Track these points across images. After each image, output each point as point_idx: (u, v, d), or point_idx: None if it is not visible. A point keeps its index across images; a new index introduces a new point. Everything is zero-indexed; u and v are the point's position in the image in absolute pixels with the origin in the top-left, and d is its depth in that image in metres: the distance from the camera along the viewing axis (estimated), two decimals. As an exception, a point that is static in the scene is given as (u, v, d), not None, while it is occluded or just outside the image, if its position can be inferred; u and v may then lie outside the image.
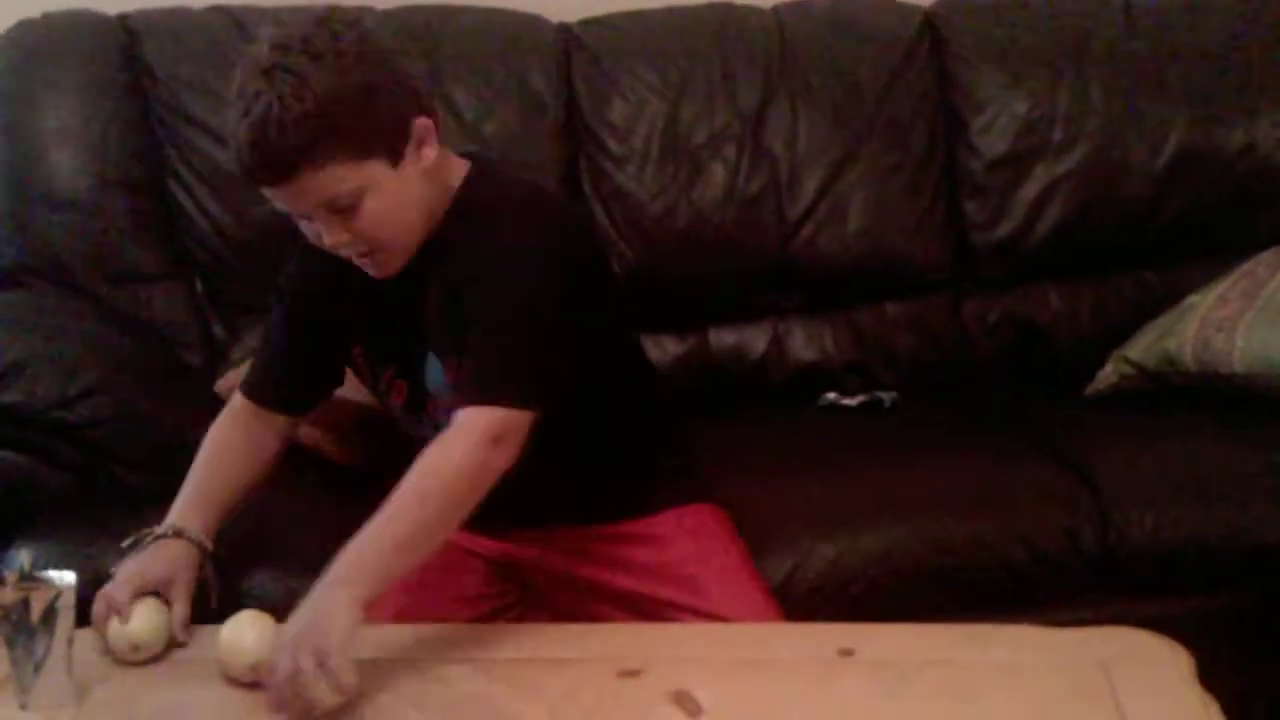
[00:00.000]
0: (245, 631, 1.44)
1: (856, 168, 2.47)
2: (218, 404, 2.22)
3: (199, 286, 2.41)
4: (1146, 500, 2.00)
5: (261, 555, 1.87)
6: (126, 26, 2.41)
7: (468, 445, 1.45)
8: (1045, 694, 1.39)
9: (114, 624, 1.47)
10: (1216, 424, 2.17)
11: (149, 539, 1.57)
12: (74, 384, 1.98)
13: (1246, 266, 2.34)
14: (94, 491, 1.97)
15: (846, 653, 1.45)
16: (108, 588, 1.50)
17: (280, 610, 1.48)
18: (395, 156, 1.50)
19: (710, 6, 2.56)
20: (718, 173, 2.45)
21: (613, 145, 2.46)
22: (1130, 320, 2.42)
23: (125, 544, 1.57)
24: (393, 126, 1.51)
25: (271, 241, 2.35)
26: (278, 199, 1.50)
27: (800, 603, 1.79)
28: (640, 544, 1.71)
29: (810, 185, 2.46)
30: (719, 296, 2.48)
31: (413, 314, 1.62)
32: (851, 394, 2.43)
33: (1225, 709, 1.36)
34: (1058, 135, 2.48)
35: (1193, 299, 2.34)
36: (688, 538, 1.71)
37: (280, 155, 1.44)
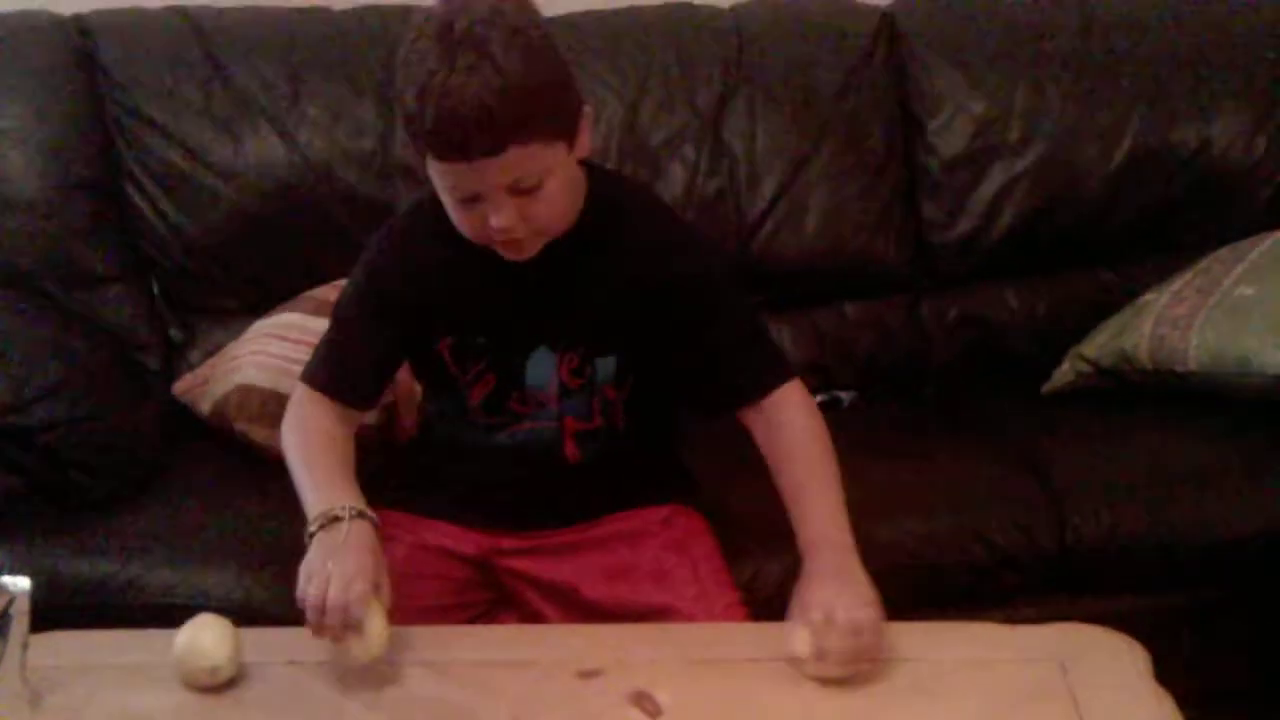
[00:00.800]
0: (203, 636, 1.42)
1: (815, 167, 2.46)
2: (174, 407, 2.23)
3: (155, 289, 2.39)
4: (1103, 497, 2.01)
5: (218, 555, 1.86)
6: (81, 27, 2.39)
7: (809, 407, 1.67)
8: (1003, 690, 1.40)
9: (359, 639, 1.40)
10: (1172, 421, 2.18)
11: (330, 521, 1.45)
12: (29, 388, 1.96)
13: (1202, 264, 2.35)
14: (49, 496, 1.95)
15: (805, 652, 1.46)
16: (341, 596, 1.38)
17: (238, 611, 1.47)
18: (571, 141, 1.50)
19: (668, 6, 2.55)
20: (676, 172, 2.44)
21: (571, 145, 2.45)
22: (1087, 318, 2.42)
23: (311, 530, 1.46)
24: (574, 110, 1.50)
25: (227, 243, 2.36)
26: (459, 175, 1.44)
27: (764, 605, 1.78)
28: (621, 541, 1.71)
29: (769, 185, 2.45)
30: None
31: (527, 308, 1.61)
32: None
33: (1181, 705, 1.37)
34: (1014, 134, 2.48)
35: (1148, 297, 2.35)
36: (667, 535, 1.72)
37: (496, 129, 1.39)
